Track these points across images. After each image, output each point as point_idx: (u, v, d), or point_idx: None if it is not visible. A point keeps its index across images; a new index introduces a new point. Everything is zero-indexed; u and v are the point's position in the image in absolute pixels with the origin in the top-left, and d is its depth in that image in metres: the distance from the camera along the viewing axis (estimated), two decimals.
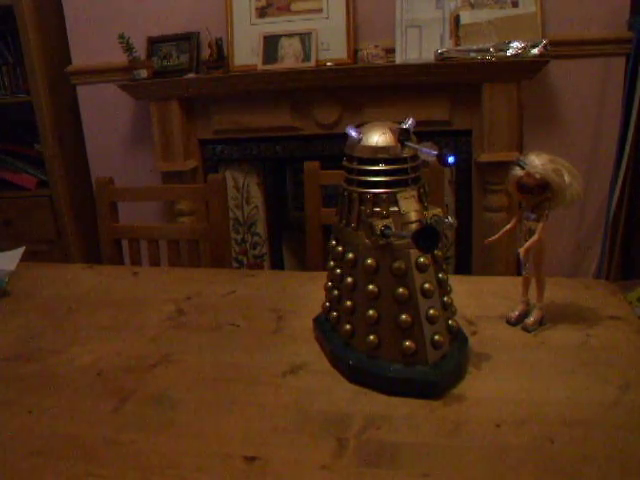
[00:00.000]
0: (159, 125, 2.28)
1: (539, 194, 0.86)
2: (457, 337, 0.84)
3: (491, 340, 0.89)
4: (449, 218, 0.80)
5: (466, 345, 0.84)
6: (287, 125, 2.24)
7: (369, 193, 0.79)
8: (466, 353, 0.83)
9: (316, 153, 2.26)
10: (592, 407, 0.72)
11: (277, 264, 2.53)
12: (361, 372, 0.80)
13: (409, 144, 0.79)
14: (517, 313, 0.94)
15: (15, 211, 2.57)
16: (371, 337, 0.79)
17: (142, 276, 1.30)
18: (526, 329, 0.91)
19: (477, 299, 1.00)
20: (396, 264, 0.76)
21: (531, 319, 0.92)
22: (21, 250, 1.32)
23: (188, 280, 1.23)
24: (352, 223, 0.81)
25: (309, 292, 1.03)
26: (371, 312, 0.79)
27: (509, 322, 0.94)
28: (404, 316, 0.77)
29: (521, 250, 0.87)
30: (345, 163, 0.84)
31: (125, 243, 1.58)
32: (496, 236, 0.92)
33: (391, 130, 0.80)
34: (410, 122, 0.79)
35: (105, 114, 2.48)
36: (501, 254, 2.08)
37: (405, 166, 0.79)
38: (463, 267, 2.28)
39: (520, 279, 0.95)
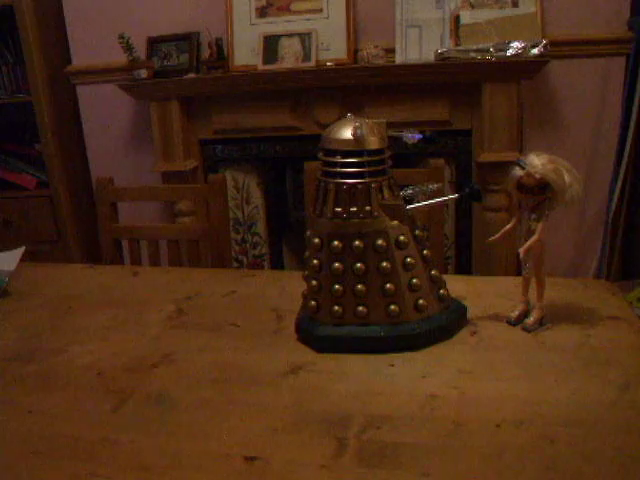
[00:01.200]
0: (159, 125, 2.28)
1: (539, 194, 0.86)
2: (451, 306, 0.93)
3: (491, 340, 0.89)
4: (433, 185, 0.93)
5: (459, 311, 0.93)
6: (287, 125, 2.24)
7: (347, 184, 0.88)
8: (458, 318, 0.92)
9: (316, 153, 2.25)
10: (592, 407, 0.72)
11: (277, 264, 2.53)
12: (355, 340, 0.88)
13: (393, 133, 0.89)
14: (517, 313, 0.94)
15: (15, 211, 2.57)
16: (360, 308, 0.87)
17: (142, 276, 1.30)
18: (526, 329, 0.91)
19: (477, 299, 1.00)
20: (379, 242, 0.86)
21: (531, 319, 0.91)
22: (21, 250, 1.32)
23: (188, 280, 1.23)
24: (344, 213, 0.87)
25: None
26: (359, 286, 0.87)
27: (509, 322, 0.94)
28: (388, 285, 0.86)
29: (521, 250, 0.87)
30: (322, 156, 0.91)
31: (125, 243, 1.58)
32: (497, 236, 0.92)
33: (367, 125, 0.87)
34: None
35: (105, 114, 2.48)
36: (501, 254, 2.08)
37: (381, 157, 0.88)
38: (463, 267, 2.28)
39: (520, 279, 0.95)
